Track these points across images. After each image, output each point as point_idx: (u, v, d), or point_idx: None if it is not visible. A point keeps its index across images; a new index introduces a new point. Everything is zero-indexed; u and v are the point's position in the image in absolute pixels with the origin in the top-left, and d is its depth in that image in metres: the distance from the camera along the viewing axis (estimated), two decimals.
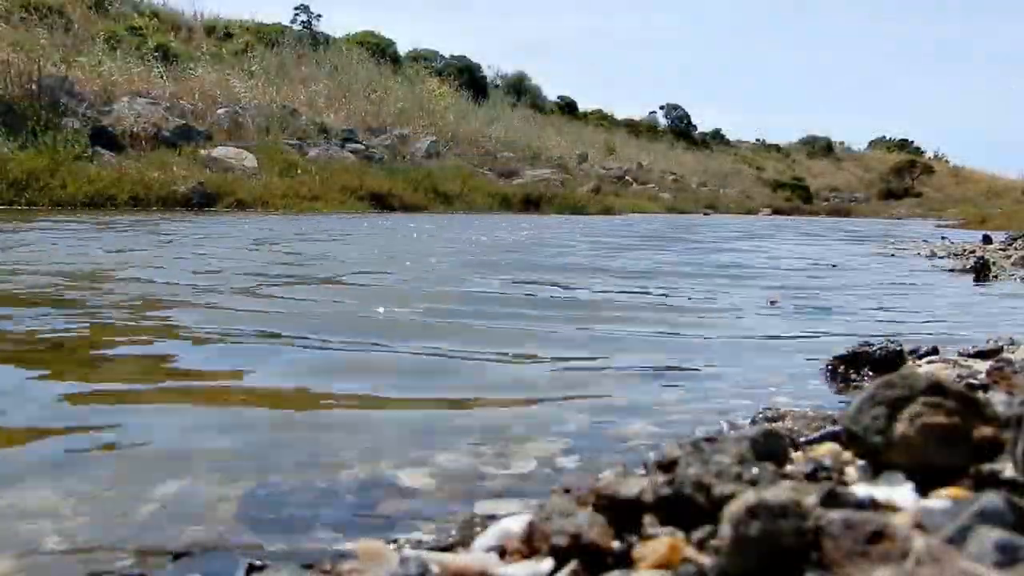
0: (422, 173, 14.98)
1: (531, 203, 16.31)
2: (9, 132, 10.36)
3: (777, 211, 29.35)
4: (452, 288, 3.72)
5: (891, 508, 0.88)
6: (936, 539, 0.73)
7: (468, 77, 27.45)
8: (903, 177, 38.74)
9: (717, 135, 43.29)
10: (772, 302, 3.50)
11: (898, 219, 27.27)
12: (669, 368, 2.10)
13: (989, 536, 0.69)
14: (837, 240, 10.74)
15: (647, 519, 0.88)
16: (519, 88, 31.74)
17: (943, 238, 9.97)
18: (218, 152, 12.65)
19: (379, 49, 24.44)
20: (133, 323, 2.47)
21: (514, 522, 0.93)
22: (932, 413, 0.95)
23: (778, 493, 0.76)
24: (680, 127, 40.41)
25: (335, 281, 3.73)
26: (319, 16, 28.48)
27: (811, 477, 1.00)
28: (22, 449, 1.33)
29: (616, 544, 0.85)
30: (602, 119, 36.60)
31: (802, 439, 1.25)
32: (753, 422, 1.52)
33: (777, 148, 44.08)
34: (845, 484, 0.98)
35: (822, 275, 5.15)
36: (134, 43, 16.52)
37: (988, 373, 1.72)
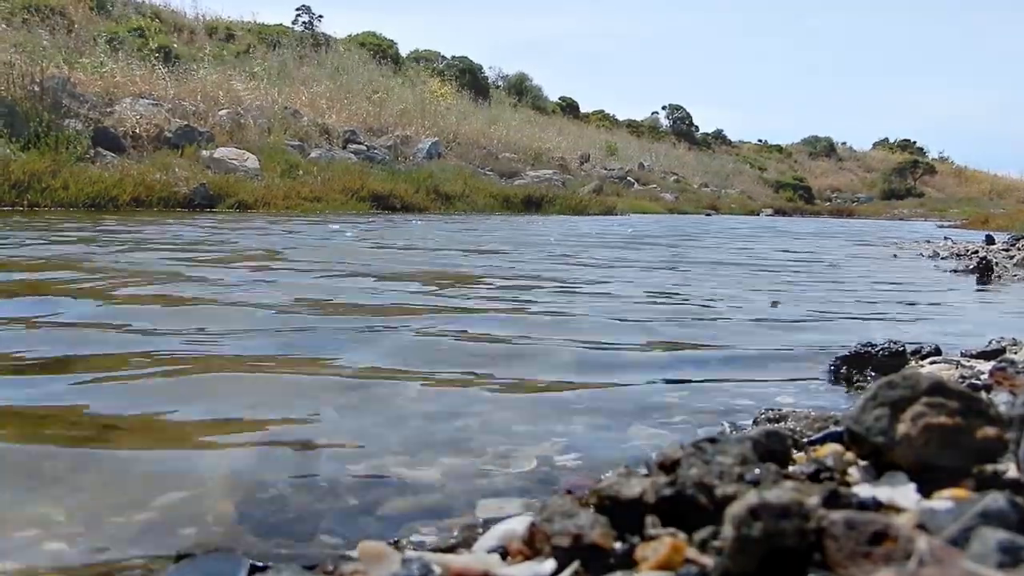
0: (423, 174, 14.98)
1: (532, 204, 16.30)
2: (11, 133, 10.37)
3: (779, 211, 29.32)
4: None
5: (894, 509, 0.88)
6: (939, 540, 0.72)
7: (470, 78, 27.45)
8: (905, 177, 38.69)
9: (719, 135, 43.28)
10: (774, 303, 3.50)
11: (900, 219, 27.24)
12: (671, 368, 2.09)
13: (992, 537, 0.69)
14: (839, 240, 10.73)
15: (649, 520, 0.88)
16: (520, 89, 31.74)
17: (946, 238, 9.95)
18: (220, 153, 12.65)
19: (380, 50, 24.44)
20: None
21: (516, 523, 0.93)
22: (935, 413, 0.95)
23: (780, 494, 0.76)
24: (682, 128, 40.40)
25: None
26: (321, 17, 28.47)
27: (813, 478, 1.00)
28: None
29: (618, 545, 0.85)
30: (604, 119, 36.60)
31: (804, 440, 1.25)
32: (755, 423, 1.52)
33: (779, 148, 44.06)
34: (848, 485, 0.98)
35: (824, 275, 5.15)
36: (136, 44, 16.54)
37: (991, 374, 1.71)
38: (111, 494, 1.16)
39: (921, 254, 7.47)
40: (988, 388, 1.60)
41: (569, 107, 35.08)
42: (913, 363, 2.04)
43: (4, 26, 14.46)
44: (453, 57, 29.28)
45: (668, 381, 1.96)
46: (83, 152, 10.77)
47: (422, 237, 7.37)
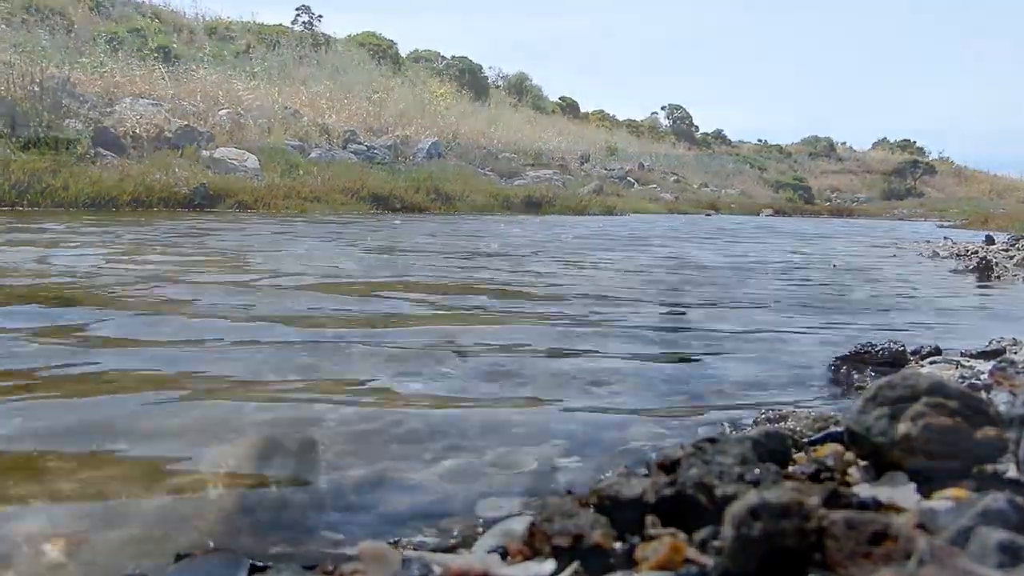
0: (423, 174, 14.97)
1: (533, 204, 16.28)
2: (11, 133, 10.37)
3: (779, 211, 29.29)
4: None
5: (894, 509, 0.88)
6: (939, 540, 0.72)
7: (469, 78, 27.44)
8: (905, 177, 38.67)
9: (719, 135, 43.27)
10: (774, 302, 3.50)
11: (900, 219, 27.23)
12: (671, 368, 2.09)
13: (992, 536, 0.69)
14: (839, 240, 10.72)
15: (649, 520, 0.88)
16: (520, 89, 31.72)
17: (945, 238, 9.95)
18: (220, 153, 12.65)
19: (380, 50, 24.42)
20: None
21: (516, 523, 0.93)
22: (935, 413, 0.95)
23: (780, 494, 0.76)
24: (682, 128, 40.40)
25: None
26: (320, 17, 28.44)
27: (814, 478, 1.00)
28: None
29: (618, 545, 0.85)
30: (604, 120, 36.60)
31: (805, 440, 1.25)
32: (755, 423, 1.52)
33: (779, 148, 44.02)
34: (848, 485, 0.98)
35: (824, 275, 5.15)
36: (136, 44, 16.55)
37: (991, 374, 1.72)
38: (111, 494, 1.16)
39: (921, 254, 7.47)
40: (988, 388, 1.60)
41: (569, 107, 35.07)
42: (913, 363, 2.04)
43: (4, 26, 14.47)
44: (453, 57, 29.26)
45: (668, 382, 1.96)
46: (83, 152, 10.77)
47: (414, 240, 7.37)
